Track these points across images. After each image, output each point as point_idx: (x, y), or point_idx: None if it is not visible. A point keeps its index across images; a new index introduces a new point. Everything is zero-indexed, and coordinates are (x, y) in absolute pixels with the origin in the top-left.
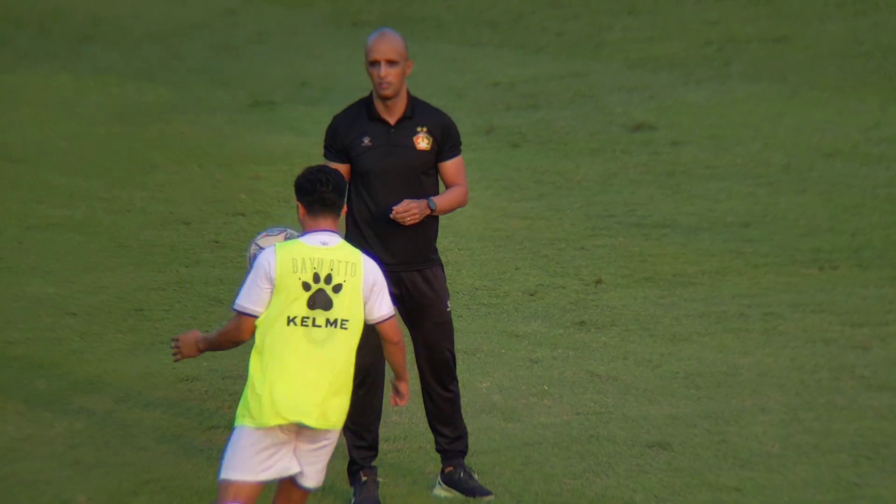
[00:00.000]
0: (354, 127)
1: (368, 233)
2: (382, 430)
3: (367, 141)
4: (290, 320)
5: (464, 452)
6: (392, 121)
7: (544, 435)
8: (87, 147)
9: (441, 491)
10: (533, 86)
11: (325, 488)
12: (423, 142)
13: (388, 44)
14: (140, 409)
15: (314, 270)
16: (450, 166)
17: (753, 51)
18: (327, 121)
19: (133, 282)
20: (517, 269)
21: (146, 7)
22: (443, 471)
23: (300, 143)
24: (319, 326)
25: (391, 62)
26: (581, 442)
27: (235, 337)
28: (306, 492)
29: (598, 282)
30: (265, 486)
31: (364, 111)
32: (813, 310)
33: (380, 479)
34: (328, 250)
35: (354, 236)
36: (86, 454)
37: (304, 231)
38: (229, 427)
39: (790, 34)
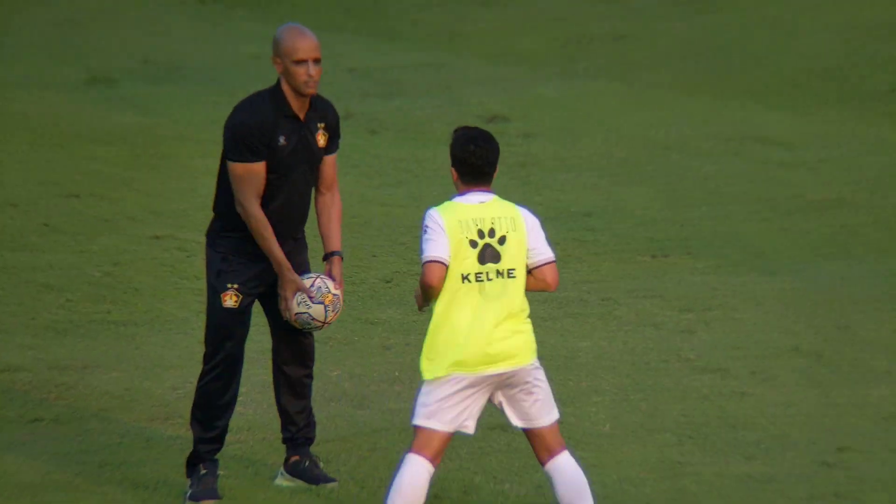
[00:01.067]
0: (271, 125)
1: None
2: None
3: (282, 140)
4: (465, 278)
5: (311, 441)
6: (302, 116)
7: (393, 421)
8: None
9: (283, 481)
10: (389, 74)
11: (159, 482)
12: (321, 138)
13: (312, 41)
14: None
15: (478, 227)
16: (331, 161)
17: (598, 48)
18: (174, 100)
19: None
20: (374, 256)
21: None
22: (287, 460)
23: (143, 123)
24: (492, 280)
25: (317, 60)
26: None
27: (424, 281)
28: (553, 425)
29: None
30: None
31: (274, 106)
32: (645, 295)
33: (220, 472)
34: (487, 207)
35: (237, 229)
36: None
37: (458, 193)
38: (56, 419)
39: (631, 33)
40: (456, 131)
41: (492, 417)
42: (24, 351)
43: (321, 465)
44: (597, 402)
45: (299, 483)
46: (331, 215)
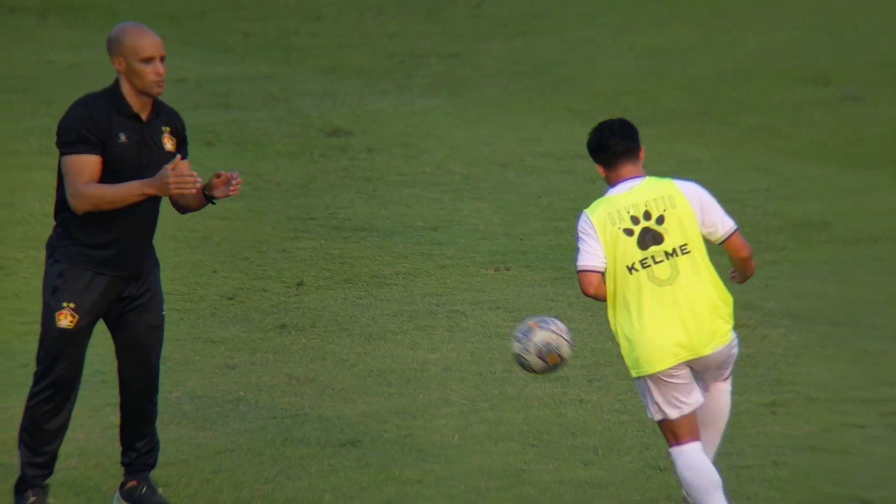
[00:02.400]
0: (109, 119)
1: (101, 235)
2: None
3: (122, 137)
4: (630, 269)
5: (152, 466)
6: (144, 116)
7: (238, 442)
8: None
9: None
10: (222, 85)
11: None
12: (168, 143)
13: (156, 39)
14: None
15: (630, 214)
16: (186, 165)
17: (431, 65)
18: None
19: None
20: (214, 272)
21: None
22: (122, 486)
23: None
24: (660, 262)
25: (163, 58)
26: (275, 446)
27: (585, 292)
28: (728, 378)
29: (300, 284)
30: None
31: (111, 104)
32: (490, 307)
33: (50, 501)
34: (637, 192)
35: (78, 238)
36: None
37: (609, 186)
38: None
39: (460, 51)
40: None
41: (342, 434)
42: None
43: (160, 490)
44: (446, 414)
45: None
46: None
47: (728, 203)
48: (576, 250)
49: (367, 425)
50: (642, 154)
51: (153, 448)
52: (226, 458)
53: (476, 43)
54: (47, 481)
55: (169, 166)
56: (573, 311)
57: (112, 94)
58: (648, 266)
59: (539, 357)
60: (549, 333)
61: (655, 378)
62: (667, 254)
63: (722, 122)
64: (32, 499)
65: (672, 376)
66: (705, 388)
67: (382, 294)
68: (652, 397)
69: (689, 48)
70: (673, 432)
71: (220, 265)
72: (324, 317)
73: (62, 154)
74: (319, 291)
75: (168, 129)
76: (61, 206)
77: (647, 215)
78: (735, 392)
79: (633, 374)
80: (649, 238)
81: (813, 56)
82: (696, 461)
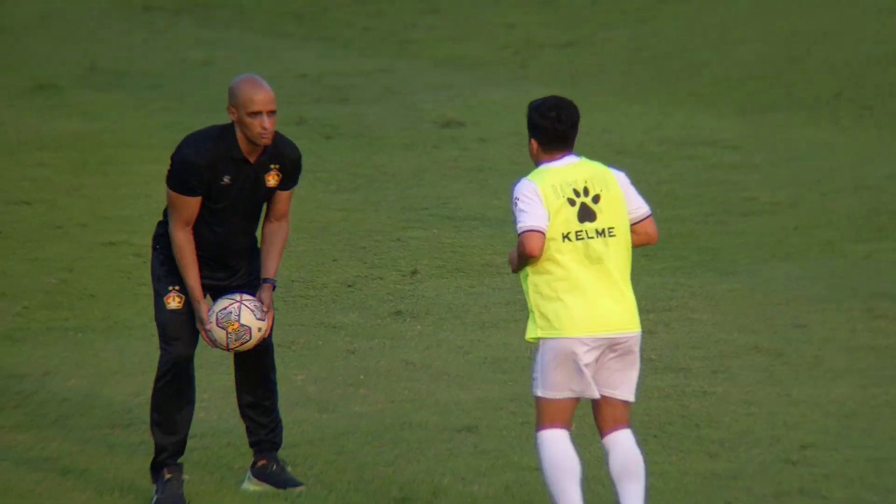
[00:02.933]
0: (214, 165)
1: (210, 254)
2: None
3: (226, 180)
4: (565, 237)
5: (278, 445)
6: (252, 159)
7: (358, 424)
8: None
9: (250, 485)
10: (341, 79)
11: (123, 488)
12: (272, 179)
13: (268, 94)
14: None
15: (572, 188)
16: (284, 196)
17: (547, 55)
18: (121, 106)
19: None
20: (334, 260)
21: None
22: (254, 464)
23: (90, 129)
24: (592, 238)
25: (272, 112)
26: (394, 429)
27: (525, 252)
28: (629, 403)
29: (414, 272)
30: (577, 402)
31: (223, 147)
32: None
33: (185, 477)
34: (577, 168)
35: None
36: None
37: (540, 162)
38: (16, 427)
39: (578, 39)
40: (532, 103)
41: (458, 419)
42: None
43: (289, 469)
44: None
45: (266, 487)
46: (273, 243)
47: (865, 190)
48: (515, 213)
49: (484, 411)
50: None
51: (277, 427)
52: (348, 440)
53: (596, 31)
54: (180, 459)
55: (205, 325)
56: (695, 300)
57: (226, 137)
58: (582, 239)
59: (220, 326)
60: (227, 300)
61: (564, 347)
62: (598, 232)
63: (861, 106)
64: (168, 476)
65: (583, 351)
66: (606, 429)
67: (494, 283)
68: (545, 369)
69: (824, 33)
70: (549, 414)
71: (339, 253)
72: (437, 304)
73: (168, 185)
74: (433, 280)
75: (276, 166)
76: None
77: (586, 191)
78: (873, 384)
79: (542, 334)
80: (586, 214)
81: None
82: (561, 448)
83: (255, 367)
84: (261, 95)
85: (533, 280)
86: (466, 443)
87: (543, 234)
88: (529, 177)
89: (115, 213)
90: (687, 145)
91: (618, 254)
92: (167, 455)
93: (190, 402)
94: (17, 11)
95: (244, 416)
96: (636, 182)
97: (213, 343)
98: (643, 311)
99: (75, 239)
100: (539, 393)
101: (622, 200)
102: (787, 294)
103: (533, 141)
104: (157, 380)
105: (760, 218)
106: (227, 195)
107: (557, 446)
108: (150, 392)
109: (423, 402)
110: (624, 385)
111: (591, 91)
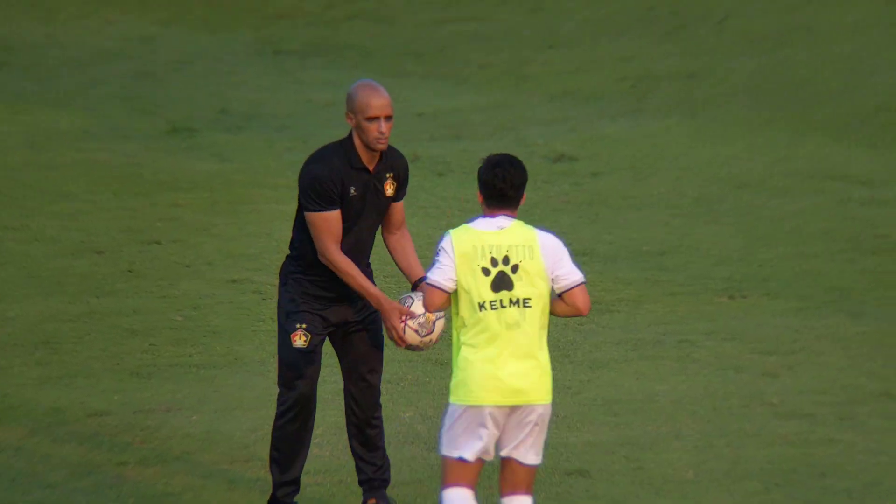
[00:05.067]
0: (341, 177)
1: (330, 285)
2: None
3: (353, 191)
4: (481, 306)
5: (387, 483)
6: (371, 168)
7: None
8: None
9: None
10: (456, 117)
11: None
12: (389, 188)
13: (385, 99)
14: (49, 445)
15: (491, 255)
16: (400, 206)
17: (666, 87)
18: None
19: (42, 313)
20: None
21: (61, 34)
22: (365, 503)
23: (221, 170)
24: (506, 308)
25: (389, 117)
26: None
27: (426, 306)
28: (531, 468)
29: None
30: (482, 464)
31: (344, 159)
32: (724, 338)
33: None
34: (503, 234)
35: (309, 274)
36: None
37: (482, 214)
38: (141, 462)
39: (700, 70)
40: (484, 158)
41: (568, 462)
42: (110, 395)
43: None
44: (678, 448)
45: None
46: (406, 250)
47: None
48: (432, 263)
49: (594, 455)
50: (523, 200)
51: (385, 465)
52: None
53: (719, 61)
54: (296, 498)
55: (398, 327)
56: (821, 343)
57: (345, 148)
58: (496, 308)
59: (431, 341)
60: (444, 321)
61: (476, 411)
62: (512, 301)
63: None
64: None
65: (492, 418)
66: (509, 490)
67: (605, 321)
68: (455, 431)
69: None
70: (455, 473)
71: None
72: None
73: (306, 210)
74: None
75: (391, 174)
76: (297, 242)
77: (507, 260)
78: None
79: (454, 400)
80: (503, 282)
81: None
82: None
83: (364, 405)
84: (378, 101)
85: (456, 337)
86: (577, 486)
87: (446, 293)
88: (452, 232)
89: (241, 252)
90: (815, 179)
91: (532, 325)
92: (284, 493)
93: (308, 439)
94: (152, 56)
95: (354, 453)
96: (760, 217)
97: (402, 341)
98: (765, 352)
99: (202, 277)
100: (449, 452)
101: (542, 271)
102: None
103: (479, 194)
104: (279, 417)
105: (892, 256)
106: (355, 209)
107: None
108: (268, 428)
109: None
110: (528, 451)
111: (713, 121)
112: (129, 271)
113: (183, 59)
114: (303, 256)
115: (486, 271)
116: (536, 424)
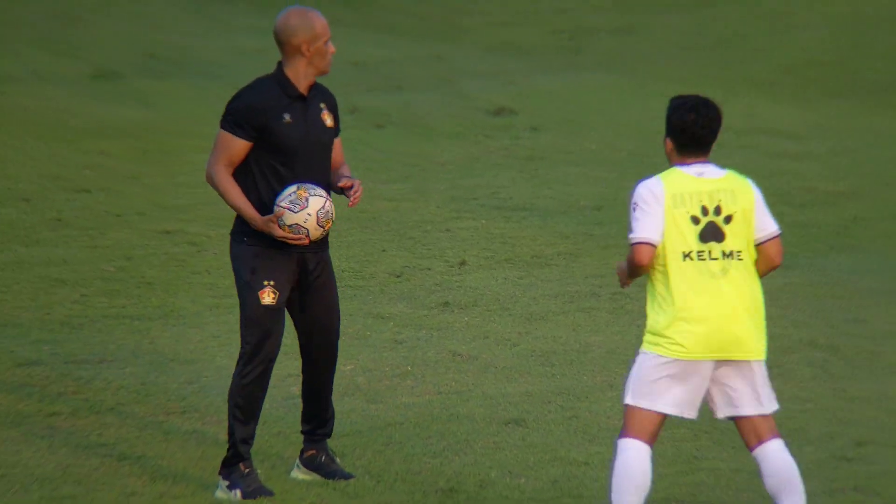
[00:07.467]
0: (273, 105)
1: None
2: None
3: (287, 118)
4: (686, 255)
5: (328, 435)
6: (306, 95)
7: (406, 415)
8: None
9: (299, 474)
10: (394, 67)
11: (178, 475)
12: (328, 119)
13: (325, 20)
14: None
15: (702, 203)
16: (337, 143)
17: (602, 41)
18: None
19: None
20: (383, 250)
21: None
22: (302, 454)
23: (150, 118)
24: (716, 259)
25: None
26: (441, 421)
27: (635, 263)
28: (767, 416)
29: (462, 263)
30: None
31: (279, 89)
32: None
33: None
34: (714, 182)
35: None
36: None
37: (673, 163)
38: (74, 413)
39: (636, 25)
40: (673, 100)
41: (506, 412)
42: (40, 346)
43: (338, 459)
44: (611, 397)
45: (315, 477)
46: (341, 167)
47: None
48: (631, 218)
49: (531, 405)
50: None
51: (330, 418)
52: (395, 431)
53: (653, 15)
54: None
55: (276, 228)
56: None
57: (278, 79)
58: (703, 259)
59: (319, 225)
60: (321, 199)
61: (677, 364)
62: (724, 254)
63: None
64: (247, 470)
65: (695, 371)
66: (755, 442)
67: (543, 274)
68: (642, 379)
69: (890, 18)
70: (636, 424)
71: (388, 244)
72: (485, 296)
73: (221, 126)
74: (481, 271)
75: (324, 104)
76: (248, 192)
77: (718, 210)
78: None
79: (651, 349)
80: (712, 233)
81: None
82: (638, 461)
83: (321, 361)
84: (324, 22)
85: (652, 292)
86: (514, 436)
87: (654, 246)
88: (660, 176)
89: (172, 203)
90: (746, 134)
91: (746, 274)
92: (245, 449)
93: (264, 394)
94: None
95: (305, 401)
96: None
97: (299, 232)
98: None
99: (134, 227)
100: (629, 401)
101: (752, 222)
102: (845, 288)
103: (668, 140)
104: (244, 375)
105: (819, 209)
106: (292, 137)
107: (633, 459)
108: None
109: (471, 393)
110: (750, 402)
111: (647, 78)
112: (58, 220)
113: (107, 0)
114: (259, 210)
115: (694, 220)
116: (761, 380)
